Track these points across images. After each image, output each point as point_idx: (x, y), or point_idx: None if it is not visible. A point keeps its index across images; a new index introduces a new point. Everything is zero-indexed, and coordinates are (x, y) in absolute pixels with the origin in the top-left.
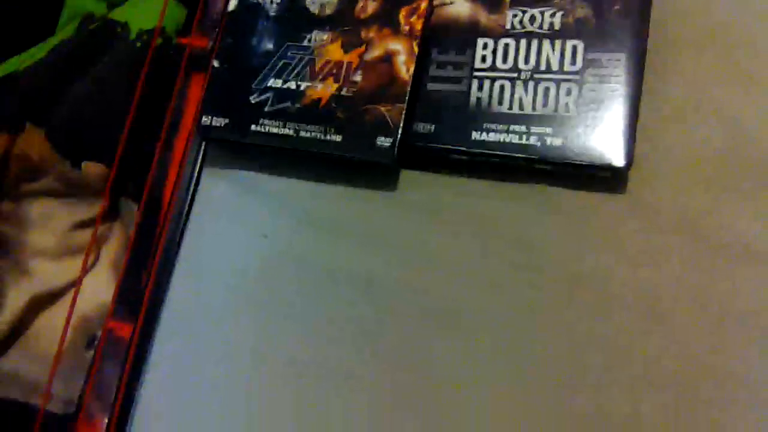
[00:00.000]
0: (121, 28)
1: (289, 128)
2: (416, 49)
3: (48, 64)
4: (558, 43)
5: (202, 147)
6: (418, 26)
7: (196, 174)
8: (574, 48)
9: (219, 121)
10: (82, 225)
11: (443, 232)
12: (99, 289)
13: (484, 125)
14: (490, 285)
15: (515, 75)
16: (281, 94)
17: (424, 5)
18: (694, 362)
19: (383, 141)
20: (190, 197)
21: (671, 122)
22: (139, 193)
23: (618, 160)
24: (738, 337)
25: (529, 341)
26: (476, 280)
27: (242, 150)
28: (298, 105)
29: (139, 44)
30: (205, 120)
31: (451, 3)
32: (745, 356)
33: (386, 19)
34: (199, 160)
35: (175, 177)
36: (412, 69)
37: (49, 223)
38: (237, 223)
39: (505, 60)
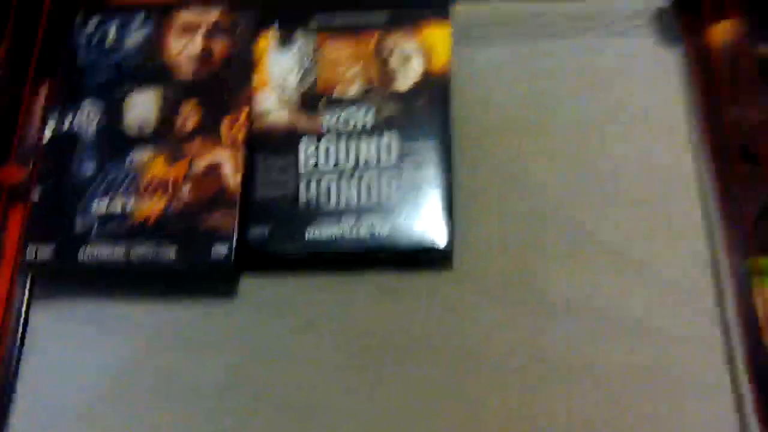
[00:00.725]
0: None
1: (120, 249)
2: (241, 156)
3: None
4: (373, 138)
5: (29, 280)
6: (241, 135)
7: (24, 309)
8: (389, 141)
9: (45, 251)
10: None
11: (291, 329)
12: None
13: (315, 224)
14: (341, 374)
15: (339, 172)
16: (108, 216)
17: (244, 114)
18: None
19: (219, 250)
20: (20, 335)
21: (484, 196)
22: None
23: (440, 241)
24: (556, 383)
25: (393, 425)
26: (328, 371)
27: (75, 277)
28: (127, 225)
29: None
30: (30, 251)
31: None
32: (559, 401)
33: (208, 130)
34: (26, 295)
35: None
36: (239, 177)
37: None
38: (79, 352)
39: (327, 159)
